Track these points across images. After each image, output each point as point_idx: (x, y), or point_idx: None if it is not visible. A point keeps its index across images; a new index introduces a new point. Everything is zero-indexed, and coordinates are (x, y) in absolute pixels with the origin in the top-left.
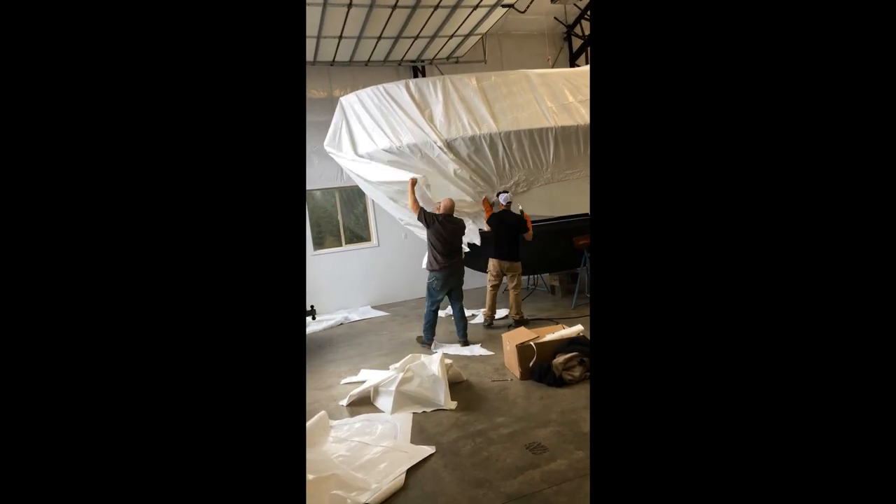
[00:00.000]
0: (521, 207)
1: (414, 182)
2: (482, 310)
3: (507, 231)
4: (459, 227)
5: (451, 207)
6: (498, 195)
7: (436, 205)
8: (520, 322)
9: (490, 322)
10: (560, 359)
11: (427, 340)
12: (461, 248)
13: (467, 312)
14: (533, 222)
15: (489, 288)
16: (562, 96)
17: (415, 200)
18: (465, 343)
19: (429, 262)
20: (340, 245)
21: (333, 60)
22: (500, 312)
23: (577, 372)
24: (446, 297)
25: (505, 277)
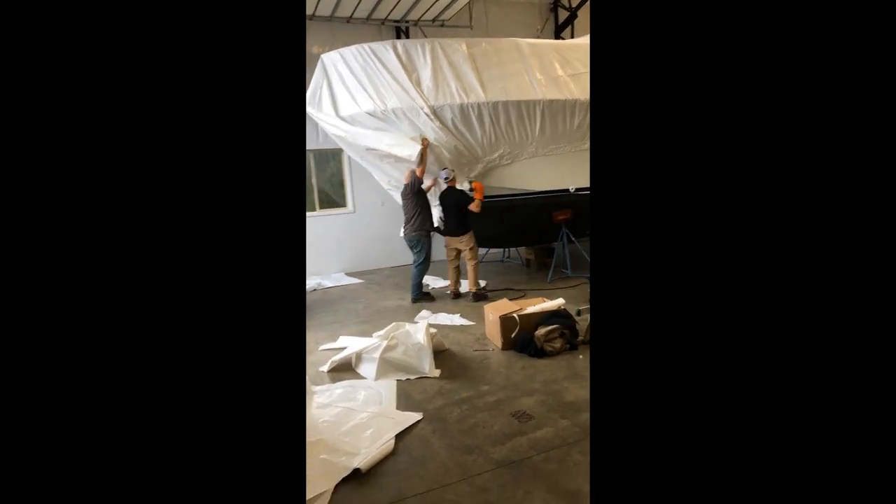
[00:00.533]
0: (471, 178)
1: (426, 144)
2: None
3: (449, 208)
4: (408, 193)
5: (406, 176)
6: (440, 173)
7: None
8: (477, 295)
9: (455, 295)
10: (542, 331)
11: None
12: (411, 215)
13: (439, 283)
14: (514, 196)
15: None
16: (551, 68)
17: (424, 163)
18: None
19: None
20: (314, 210)
21: (313, 14)
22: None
23: (557, 344)
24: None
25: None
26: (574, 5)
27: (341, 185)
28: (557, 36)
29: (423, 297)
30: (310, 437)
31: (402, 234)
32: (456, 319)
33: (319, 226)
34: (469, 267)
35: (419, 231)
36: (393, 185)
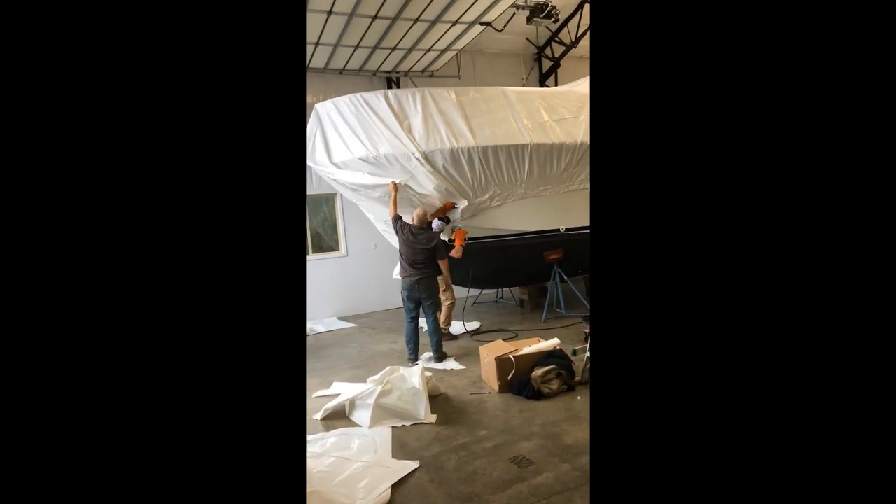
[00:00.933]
0: (454, 225)
1: (395, 186)
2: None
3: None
4: (429, 239)
5: (422, 217)
6: (434, 223)
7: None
8: (445, 334)
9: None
10: (538, 372)
11: (410, 356)
12: (430, 259)
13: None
14: (505, 237)
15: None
16: (538, 114)
17: (394, 204)
18: (439, 358)
19: (398, 271)
20: (308, 254)
21: (308, 66)
22: (470, 326)
23: (554, 385)
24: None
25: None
26: (557, 55)
27: (334, 228)
28: (542, 84)
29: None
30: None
31: (411, 280)
32: (449, 363)
33: (312, 270)
34: (444, 306)
35: (432, 277)
36: (388, 228)
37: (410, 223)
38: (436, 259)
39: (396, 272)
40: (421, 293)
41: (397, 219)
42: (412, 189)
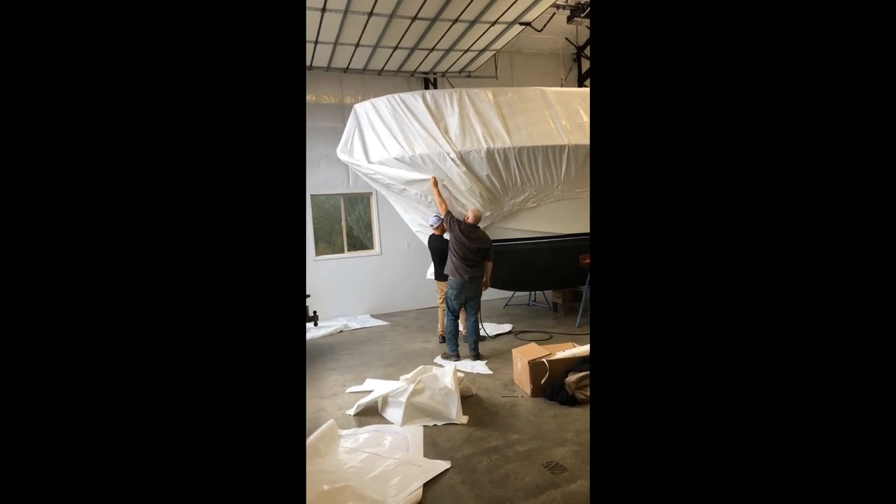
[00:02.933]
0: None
1: (435, 181)
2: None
3: (436, 254)
4: (483, 239)
5: (478, 217)
6: (430, 218)
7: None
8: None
9: (443, 339)
10: (573, 377)
11: (451, 351)
12: (482, 259)
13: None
14: (540, 239)
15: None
16: (576, 115)
17: (441, 200)
18: (476, 357)
19: (449, 269)
20: (343, 251)
21: (347, 67)
22: (503, 328)
23: (589, 391)
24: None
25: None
26: None
27: (368, 227)
28: (581, 84)
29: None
30: (336, 483)
31: (466, 278)
32: (477, 366)
33: (347, 267)
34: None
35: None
36: (421, 228)
37: (463, 220)
38: (486, 259)
39: (430, 273)
40: (469, 292)
41: (448, 214)
42: (448, 190)
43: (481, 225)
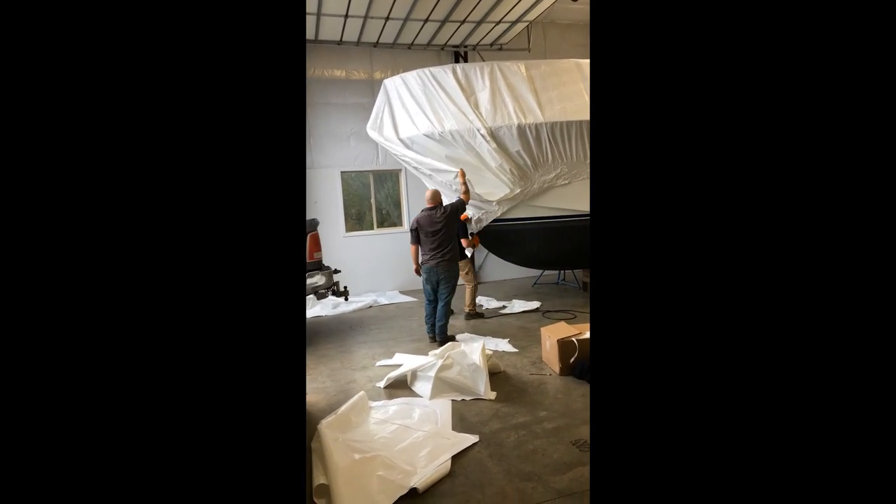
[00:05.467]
0: (472, 232)
1: (463, 173)
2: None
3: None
4: (434, 221)
5: (435, 198)
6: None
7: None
8: (470, 315)
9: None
10: None
11: (429, 332)
12: (447, 239)
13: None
14: (571, 217)
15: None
16: None
17: (466, 189)
18: (434, 340)
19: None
20: (372, 228)
21: (377, 42)
22: (530, 305)
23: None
24: None
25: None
26: None
27: (397, 204)
28: None
29: (448, 338)
30: (367, 452)
31: (431, 264)
32: (501, 345)
33: (376, 244)
34: (468, 289)
35: (453, 261)
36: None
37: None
38: (453, 238)
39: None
40: (438, 276)
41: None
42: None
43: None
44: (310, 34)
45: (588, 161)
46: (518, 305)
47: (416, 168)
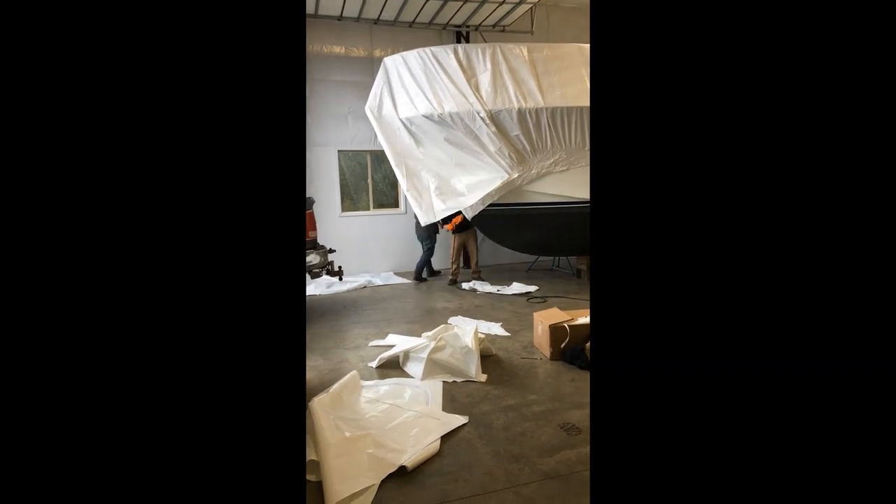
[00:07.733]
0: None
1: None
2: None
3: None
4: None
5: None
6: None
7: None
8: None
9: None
10: None
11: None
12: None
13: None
14: (568, 204)
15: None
16: None
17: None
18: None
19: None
20: (368, 209)
21: (378, 18)
22: (527, 288)
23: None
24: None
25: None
26: None
27: (393, 185)
28: None
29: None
30: (358, 431)
31: (425, 222)
32: (494, 328)
33: (372, 225)
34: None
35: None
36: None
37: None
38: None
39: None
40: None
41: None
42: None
43: None
44: (309, 8)
45: (587, 148)
46: (516, 287)
47: (395, 166)
